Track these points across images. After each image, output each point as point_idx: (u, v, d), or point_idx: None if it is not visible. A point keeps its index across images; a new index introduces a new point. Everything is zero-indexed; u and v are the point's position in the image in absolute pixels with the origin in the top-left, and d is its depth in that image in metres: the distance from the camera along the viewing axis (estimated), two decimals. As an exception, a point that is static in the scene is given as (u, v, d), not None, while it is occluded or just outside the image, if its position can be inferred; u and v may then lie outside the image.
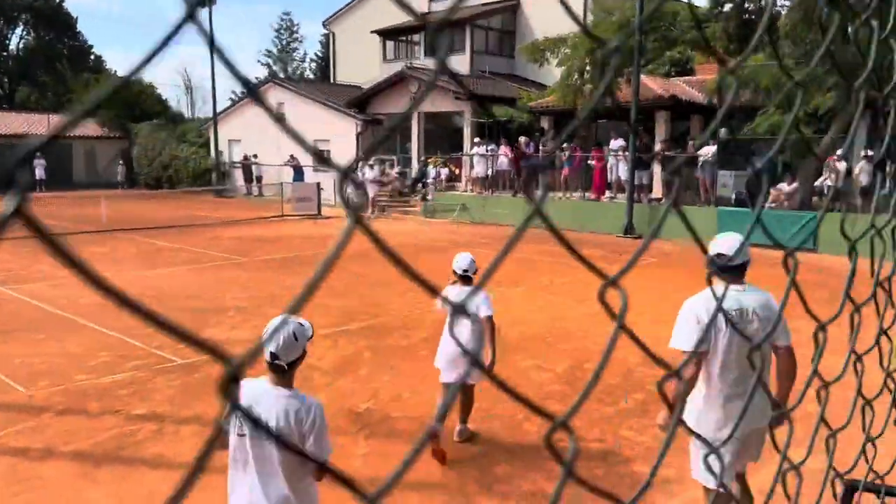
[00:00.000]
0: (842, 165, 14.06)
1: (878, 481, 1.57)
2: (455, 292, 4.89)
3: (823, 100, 14.79)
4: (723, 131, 17.18)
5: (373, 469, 4.90)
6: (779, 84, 14.49)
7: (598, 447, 5.29)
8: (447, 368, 5.10)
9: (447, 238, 16.80)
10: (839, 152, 14.59)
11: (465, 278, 5.10)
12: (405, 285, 10.05)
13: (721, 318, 3.17)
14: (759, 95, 15.96)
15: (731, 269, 3.32)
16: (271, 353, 2.84)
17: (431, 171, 23.50)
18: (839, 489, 1.51)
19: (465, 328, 4.74)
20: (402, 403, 6.17)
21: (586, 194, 19.67)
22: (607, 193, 19.54)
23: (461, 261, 5.13)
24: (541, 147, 21.05)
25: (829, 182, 15.63)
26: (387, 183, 24.37)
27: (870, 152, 15.32)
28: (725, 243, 3.49)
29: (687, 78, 22.86)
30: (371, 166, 23.03)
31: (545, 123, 23.50)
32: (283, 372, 2.88)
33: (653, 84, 20.44)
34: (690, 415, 3.48)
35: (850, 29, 1.09)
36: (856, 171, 15.25)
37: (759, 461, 3.66)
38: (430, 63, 26.78)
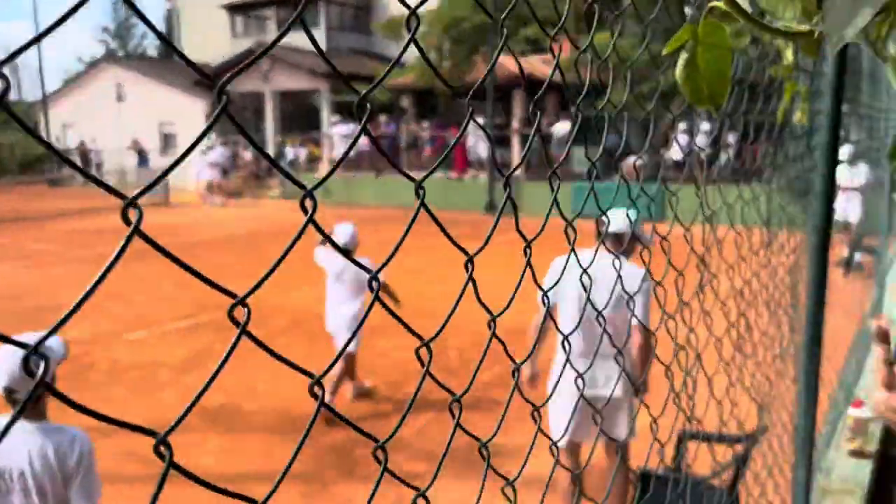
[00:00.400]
0: (683, 139, 14.89)
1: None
2: (337, 261, 5.13)
3: (665, 77, 15.60)
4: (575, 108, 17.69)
5: (225, 465, 4.61)
6: (625, 62, 15.11)
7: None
8: (338, 334, 5.48)
9: (302, 220, 16.22)
10: (682, 127, 15.45)
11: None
12: (255, 277, 9.51)
13: (574, 280, 3.13)
14: (609, 73, 16.57)
15: (610, 237, 3.55)
16: (4, 387, 2.26)
17: (289, 152, 22.67)
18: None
19: (355, 298, 5.21)
20: (257, 397, 5.86)
21: (448, 173, 19.74)
22: (469, 172, 19.70)
23: (340, 235, 5.16)
24: (403, 126, 20.87)
25: (674, 156, 16.56)
26: (240, 167, 23.26)
27: (707, 126, 16.36)
28: (611, 213, 3.50)
29: (542, 56, 23.43)
30: (210, 148, 21.57)
31: (405, 102, 23.29)
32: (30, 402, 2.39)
33: (509, 63, 20.75)
34: (553, 374, 3.49)
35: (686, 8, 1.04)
36: (698, 143, 16.22)
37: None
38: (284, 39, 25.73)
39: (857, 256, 7.87)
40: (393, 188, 18.47)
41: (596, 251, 1.36)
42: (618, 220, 3.42)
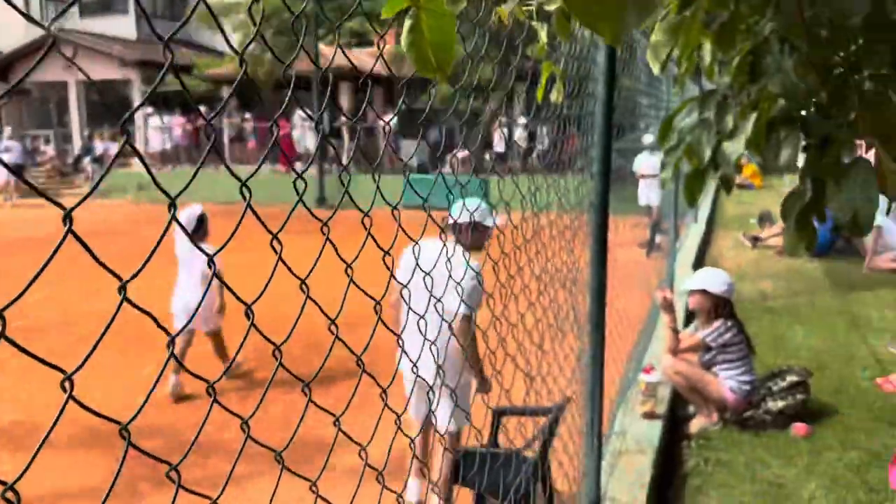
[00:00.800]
0: (504, 132, 15.62)
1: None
2: (183, 245, 5.22)
3: (484, 71, 16.23)
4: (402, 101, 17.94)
5: (22, 485, 4.17)
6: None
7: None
8: (179, 317, 5.41)
9: (120, 220, 15.13)
10: (503, 120, 16.18)
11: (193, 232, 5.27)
12: (65, 281, 8.75)
13: (418, 270, 3.20)
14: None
15: (453, 229, 3.51)
16: None
17: (98, 146, 20.93)
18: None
19: (197, 283, 5.28)
20: (56, 410, 5.37)
21: (275, 167, 19.21)
22: (298, 165, 19.29)
23: (185, 217, 5.25)
24: (225, 118, 20.00)
25: (499, 148, 17.31)
26: (42, 162, 21.14)
27: (524, 120, 17.27)
28: (457, 204, 3.60)
29: (368, 49, 23.42)
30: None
31: (225, 93, 22.32)
32: None
33: (336, 55, 20.52)
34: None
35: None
36: (516, 136, 17.09)
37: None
38: (88, 25, 23.69)
39: (658, 238, 8.70)
40: (215, 182, 17.66)
41: (445, 243, 1.42)
42: (461, 210, 3.51)
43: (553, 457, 2.79)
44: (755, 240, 9.26)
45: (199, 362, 5.86)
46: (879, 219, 7.35)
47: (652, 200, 9.01)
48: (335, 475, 1.66)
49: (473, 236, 3.42)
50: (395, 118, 17.85)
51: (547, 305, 2.40)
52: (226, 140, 20.43)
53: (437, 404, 3.60)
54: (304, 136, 19.31)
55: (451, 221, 3.49)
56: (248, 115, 21.45)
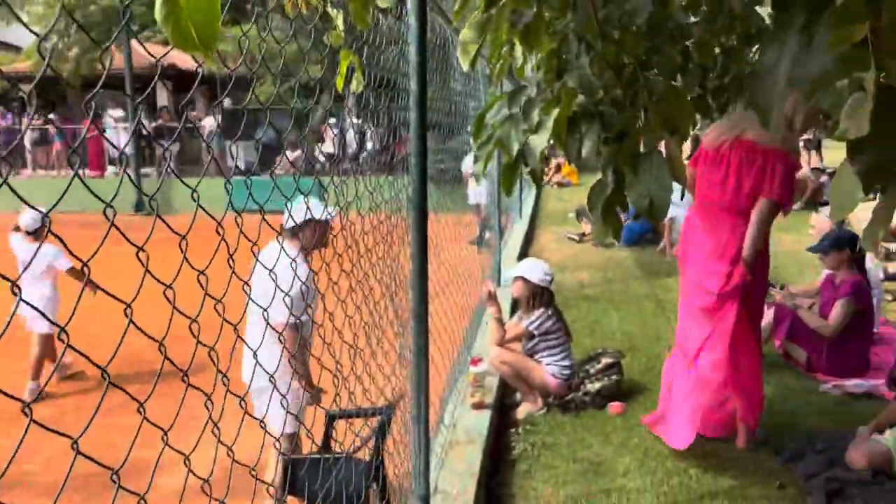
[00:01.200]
0: (330, 133, 15.47)
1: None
2: (24, 247, 5.26)
3: (313, 72, 15.99)
4: (227, 101, 17.22)
5: None
6: (273, 55, 15.11)
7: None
8: (30, 318, 5.30)
9: None
10: (332, 121, 15.96)
11: (32, 233, 5.31)
12: None
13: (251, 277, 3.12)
14: (257, 65, 16.39)
15: (291, 231, 3.35)
16: None
17: None
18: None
19: (40, 282, 5.27)
20: None
21: (86, 171, 17.67)
22: (110, 169, 17.90)
23: (26, 219, 5.32)
24: (25, 119, 18.08)
25: (329, 149, 17.06)
26: None
27: (356, 120, 17.18)
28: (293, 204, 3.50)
29: (185, 47, 22.16)
30: None
31: (24, 91, 20.20)
32: None
33: (154, 52, 19.28)
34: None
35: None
36: (349, 137, 16.96)
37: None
38: None
39: (487, 234, 9.00)
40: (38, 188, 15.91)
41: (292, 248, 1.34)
42: (297, 213, 3.37)
43: (387, 456, 2.77)
44: (582, 235, 9.84)
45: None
46: (673, 211, 8.07)
47: (481, 199, 9.29)
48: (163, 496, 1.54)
49: (313, 234, 3.35)
50: (220, 118, 17.08)
51: (373, 306, 2.36)
52: (27, 143, 18.48)
53: (268, 409, 3.45)
54: (117, 138, 17.91)
55: (288, 224, 3.34)
56: (52, 116, 19.55)
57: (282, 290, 1.56)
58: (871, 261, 5.31)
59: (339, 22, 1.46)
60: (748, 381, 3.54)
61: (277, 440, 3.48)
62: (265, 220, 1.43)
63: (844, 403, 4.33)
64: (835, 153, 13.99)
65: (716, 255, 3.48)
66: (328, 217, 3.25)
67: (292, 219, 3.29)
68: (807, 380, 4.70)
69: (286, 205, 2.14)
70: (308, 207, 3.12)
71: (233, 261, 1.23)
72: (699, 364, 3.52)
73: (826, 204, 10.63)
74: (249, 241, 1.37)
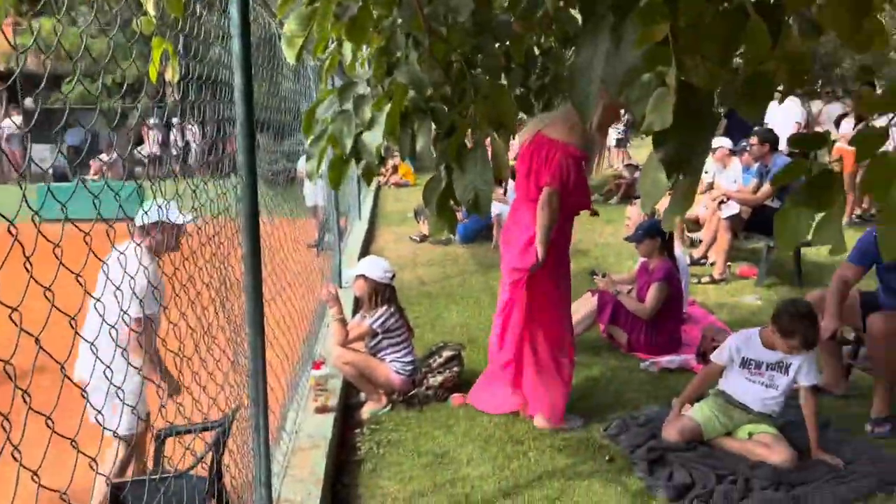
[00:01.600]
0: (155, 134, 14.56)
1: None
2: None
3: (130, 69, 14.99)
4: (29, 100, 15.70)
5: None
6: (83, 51, 14.00)
7: None
8: None
9: None
10: (153, 122, 15.04)
11: None
12: None
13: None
14: (65, 62, 15.07)
15: (141, 231, 3.36)
16: None
17: None
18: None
19: None
20: None
21: None
22: None
23: None
24: None
25: (152, 150, 16.01)
26: None
27: (175, 119, 16.28)
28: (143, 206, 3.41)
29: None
30: None
31: None
32: None
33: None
34: None
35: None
36: (172, 137, 16.02)
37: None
38: None
39: (327, 237, 8.86)
40: None
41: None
42: (151, 213, 3.29)
43: (226, 470, 2.64)
44: (424, 237, 9.96)
45: None
46: (499, 207, 8.39)
47: (318, 200, 9.14)
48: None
49: (164, 237, 3.26)
50: (21, 119, 15.49)
51: (200, 312, 2.24)
52: None
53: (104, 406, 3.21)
54: None
55: (138, 224, 3.28)
56: None
57: (130, 286, 1.46)
58: (678, 248, 5.84)
59: (150, 7, 1.36)
60: (538, 375, 3.94)
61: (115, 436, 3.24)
62: (77, 226, 1.31)
63: (661, 379, 4.72)
64: (644, 151, 15.26)
65: (520, 243, 3.81)
66: (183, 221, 3.20)
67: (144, 217, 3.28)
68: (628, 359, 5.08)
69: (97, 209, 1.98)
70: (161, 208, 3.08)
71: (30, 264, 1.11)
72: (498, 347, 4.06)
73: (639, 197, 11.58)
74: (51, 242, 1.24)
